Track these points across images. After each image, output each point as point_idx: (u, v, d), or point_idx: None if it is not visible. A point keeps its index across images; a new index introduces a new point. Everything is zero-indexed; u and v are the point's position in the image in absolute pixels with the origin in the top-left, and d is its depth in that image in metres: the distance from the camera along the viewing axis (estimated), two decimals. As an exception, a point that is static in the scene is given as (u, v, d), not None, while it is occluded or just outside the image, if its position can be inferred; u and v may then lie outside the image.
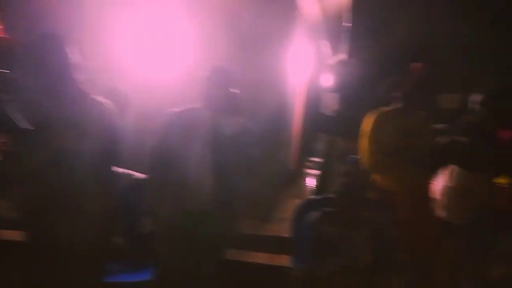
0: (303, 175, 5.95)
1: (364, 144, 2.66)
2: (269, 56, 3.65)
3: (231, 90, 2.38)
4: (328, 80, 10.74)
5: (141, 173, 2.51)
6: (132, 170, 2.56)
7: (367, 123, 2.66)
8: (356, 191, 2.09)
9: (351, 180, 2.11)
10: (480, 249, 2.09)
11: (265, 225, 3.50)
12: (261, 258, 3.05)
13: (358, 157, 2.77)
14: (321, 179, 4.56)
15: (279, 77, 3.81)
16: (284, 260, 2.57)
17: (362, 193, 2.10)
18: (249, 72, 3.43)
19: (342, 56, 10.23)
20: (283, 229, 3.28)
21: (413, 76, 2.47)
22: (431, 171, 2.67)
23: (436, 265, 2.69)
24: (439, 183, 2.76)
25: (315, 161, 7.92)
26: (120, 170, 2.33)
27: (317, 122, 10.86)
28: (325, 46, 7.86)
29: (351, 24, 6.63)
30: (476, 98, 2.75)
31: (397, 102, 2.62)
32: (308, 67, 5.41)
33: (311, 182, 5.62)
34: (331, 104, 12.42)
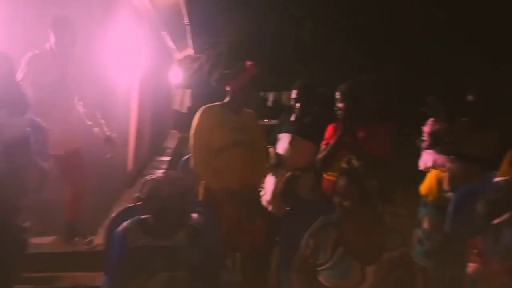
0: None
1: (191, 142, 2.48)
2: (89, 44, 3.19)
3: (15, 80, 1.91)
4: (177, 76, 10.55)
5: None
6: None
7: (194, 119, 2.49)
8: (171, 194, 1.85)
9: (164, 182, 1.86)
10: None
11: (91, 239, 3.06)
12: (78, 278, 2.63)
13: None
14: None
15: (101, 69, 3.37)
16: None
17: (178, 197, 1.87)
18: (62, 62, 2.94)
19: (189, 51, 10.13)
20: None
21: (243, 73, 2.39)
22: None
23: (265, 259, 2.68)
24: (268, 180, 2.76)
25: (164, 161, 7.61)
26: None
27: (168, 119, 10.54)
28: (169, 40, 7.58)
29: (189, 20, 6.49)
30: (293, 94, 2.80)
31: (227, 97, 2.52)
32: (146, 60, 5.04)
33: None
34: (183, 100, 12.21)
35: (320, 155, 2.43)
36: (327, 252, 1.73)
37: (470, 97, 2.70)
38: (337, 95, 2.42)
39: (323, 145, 2.47)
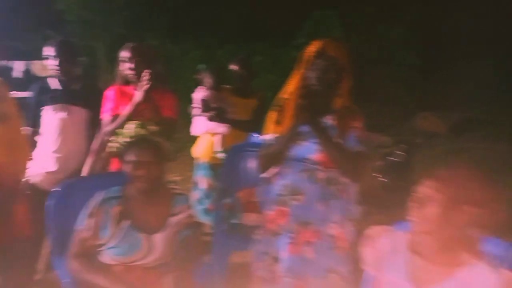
0: None
1: None
2: None
3: None
4: None
5: None
6: None
7: None
8: None
9: None
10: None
11: None
12: None
13: None
14: None
15: None
16: None
17: None
18: None
19: None
20: None
21: None
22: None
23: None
24: None
25: None
26: None
27: None
28: None
29: None
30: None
31: None
32: None
33: None
34: None
35: (111, 127, 2.15)
36: (111, 229, 1.58)
37: (232, 66, 2.95)
38: (132, 59, 2.17)
39: (106, 115, 2.21)
